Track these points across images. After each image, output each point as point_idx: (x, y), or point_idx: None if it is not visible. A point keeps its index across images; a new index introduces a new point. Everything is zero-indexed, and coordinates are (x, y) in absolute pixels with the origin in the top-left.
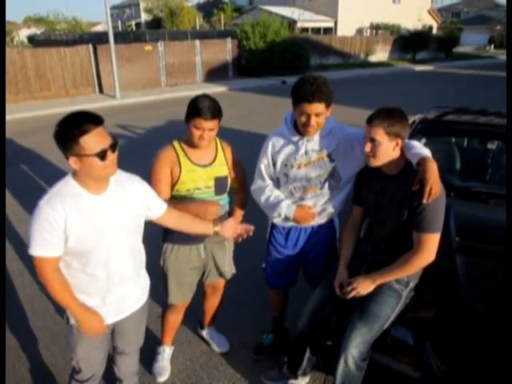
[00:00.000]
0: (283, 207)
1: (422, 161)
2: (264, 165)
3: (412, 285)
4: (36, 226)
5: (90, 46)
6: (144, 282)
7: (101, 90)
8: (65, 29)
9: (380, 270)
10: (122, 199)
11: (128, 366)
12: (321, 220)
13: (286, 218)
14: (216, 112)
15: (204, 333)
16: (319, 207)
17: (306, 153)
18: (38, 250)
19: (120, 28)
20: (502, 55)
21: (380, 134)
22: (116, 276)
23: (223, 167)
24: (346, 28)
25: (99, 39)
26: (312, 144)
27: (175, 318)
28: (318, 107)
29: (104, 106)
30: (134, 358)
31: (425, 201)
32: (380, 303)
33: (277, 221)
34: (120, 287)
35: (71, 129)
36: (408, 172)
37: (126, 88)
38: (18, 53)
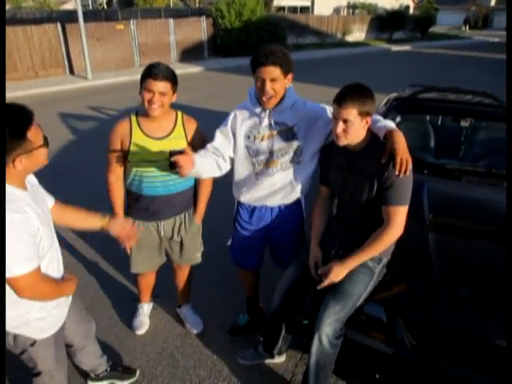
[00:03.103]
0: None
1: (389, 133)
2: (220, 131)
3: (385, 261)
4: (13, 241)
5: (59, 25)
6: None
7: (71, 71)
8: (32, 7)
9: (352, 254)
10: (37, 192)
11: (90, 355)
12: (287, 200)
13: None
14: (168, 75)
15: (180, 311)
16: (283, 185)
17: (270, 125)
18: (25, 265)
19: (90, 6)
20: (476, 36)
21: (353, 115)
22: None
23: (181, 140)
24: (323, 7)
25: (69, 18)
26: (275, 116)
27: (144, 282)
28: (272, 71)
29: (75, 88)
30: (93, 346)
31: (397, 172)
32: (353, 281)
33: (243, 199)
34: None
35: (17, 125)
36: (373, 146)
37: (98, 68)
38: None
